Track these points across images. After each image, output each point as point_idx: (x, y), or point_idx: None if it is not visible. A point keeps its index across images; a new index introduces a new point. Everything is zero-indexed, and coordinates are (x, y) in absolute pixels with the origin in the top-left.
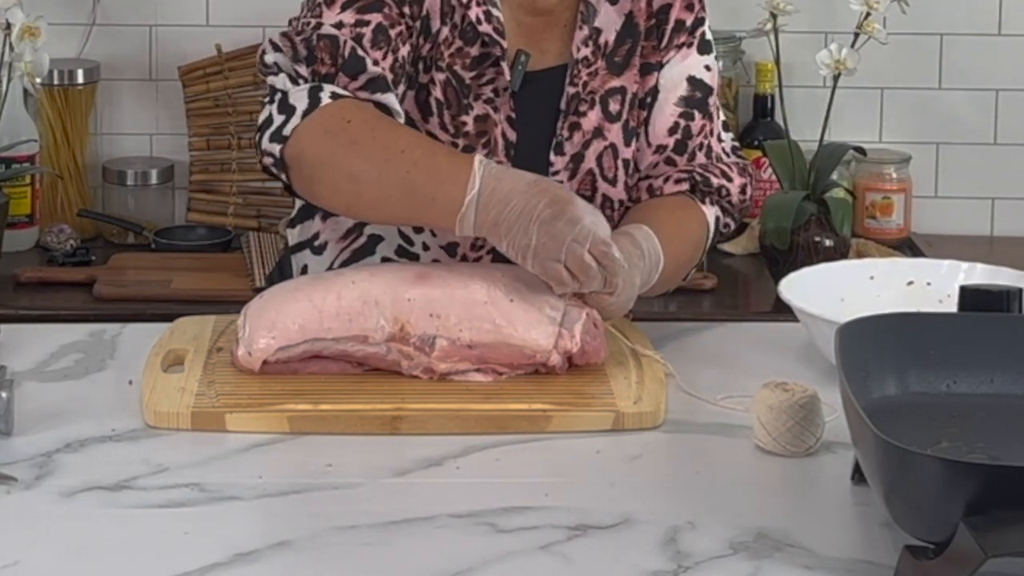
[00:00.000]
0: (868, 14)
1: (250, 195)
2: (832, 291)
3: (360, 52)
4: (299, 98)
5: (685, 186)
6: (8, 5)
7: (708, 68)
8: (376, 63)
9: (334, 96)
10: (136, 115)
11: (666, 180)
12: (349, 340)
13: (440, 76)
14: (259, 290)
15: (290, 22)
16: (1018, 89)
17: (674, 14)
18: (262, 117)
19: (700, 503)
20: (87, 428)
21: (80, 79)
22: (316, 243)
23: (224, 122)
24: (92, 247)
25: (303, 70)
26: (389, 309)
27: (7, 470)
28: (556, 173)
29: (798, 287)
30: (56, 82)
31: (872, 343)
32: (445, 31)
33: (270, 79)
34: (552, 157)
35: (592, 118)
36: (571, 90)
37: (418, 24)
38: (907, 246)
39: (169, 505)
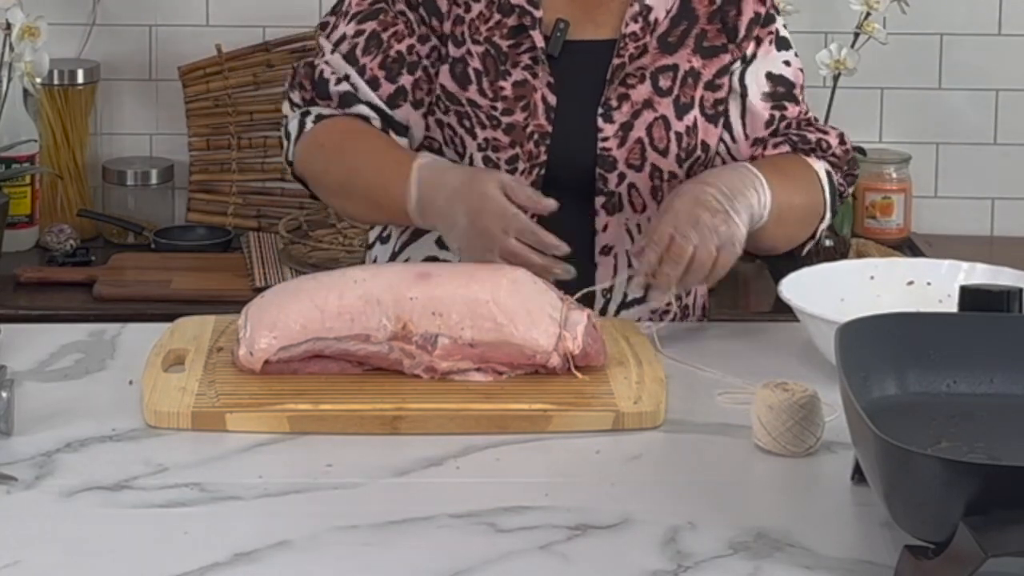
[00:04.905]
0: (868, 14)
1: (250, 195)
2: (832, 291)
3: (327, 75)
4: (293, 125)
5: (784, 148)
6: (8, 5)
7: (787, 63)
8: (343, 79)
9: (318, 118)
10: (136, 115)
11: (765, 148)
12: (351, 339)
13: (478, 48)
14: (259, 290)
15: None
16: (1018, 89)
17: (748, 7)
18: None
19: (700, 503)
20: (87, 428)
21: (80, 79)
22: (384, 232)
23: (224, 122)
24: (92, 247)
25: (295, 97)
26: (391, 308)
27: (7, 470)
28: (606, 139)
29: (798, 287)
30: (56, 82)
31: (872, 343)
32: (479, 7)
33: (283, 107)
34: (601, 123)
35: (641, 91)
36: (616, 61)
37: (421, 12)
38: (907, 246)
39: (169, 505)
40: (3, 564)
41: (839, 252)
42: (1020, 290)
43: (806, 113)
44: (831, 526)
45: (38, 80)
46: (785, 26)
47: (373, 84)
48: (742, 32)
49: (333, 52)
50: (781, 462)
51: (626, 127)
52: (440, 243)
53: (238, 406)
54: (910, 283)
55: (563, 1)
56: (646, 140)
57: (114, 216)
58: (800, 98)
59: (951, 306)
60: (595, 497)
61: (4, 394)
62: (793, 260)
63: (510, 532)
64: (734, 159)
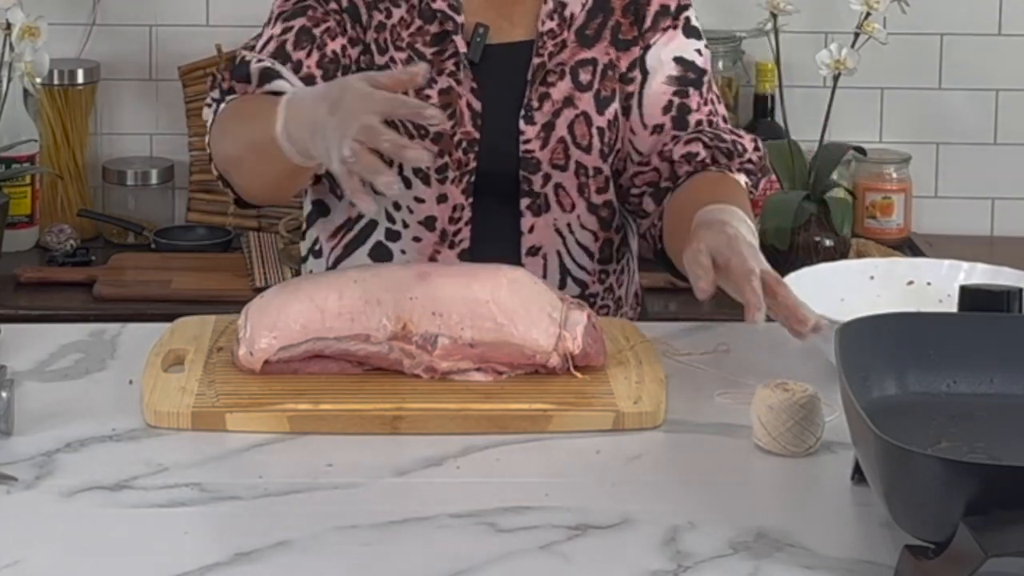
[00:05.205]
0: (868, 14)
1: None
2: (832, 291)
3: (247, 57)
4: (207, 117)
5: (697, 147)
6: (8, 5)
7: (699, 52)
8: (267, 62)
9: (230, 103)
10: (136, 115)
11: (676, 142)
12: (351, 339)
13: (400, 55)
14: (259, 290)
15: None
16: (1018, 89)
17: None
18: None
19: (700, 503)
20: (87, 428)
21: (80, 79)
22: (316, 247)
23: None
24: (92, 247)
25: (214, 95)
26: (391, 308)
27: (7, 470)
28: (528, 141)
29: (798, 287)
30: (56, 82)
31: (872, 343)
32: (400, 12)
33: (203, 114)
34: (522, 126)
35: (562, 88)
36: (536, 60)
37: (346, 16)
38: (907, 246)
39: (169, 505)
40: (3, 564)
41: (839, 252)
42: (1020, 290)
43: (715, 113)
44: (831, 526)
45: (38, 80)
46: (697, 18)
47: (308, 81)
48: (648, 23)
49: (261, 51)
50: (781, 462)
51: (548, 127)
52: (373, 255)
53: (238, 406)
54: (910, 283)
55: (480, 5)
56: (568, 139)
57: (114, 216)
58: (705, 92)
59: (951, 306)
60: (595, 497)
61: (4, 394)
62: (793, 260)
63: (510, 532)
64: (638, 152)
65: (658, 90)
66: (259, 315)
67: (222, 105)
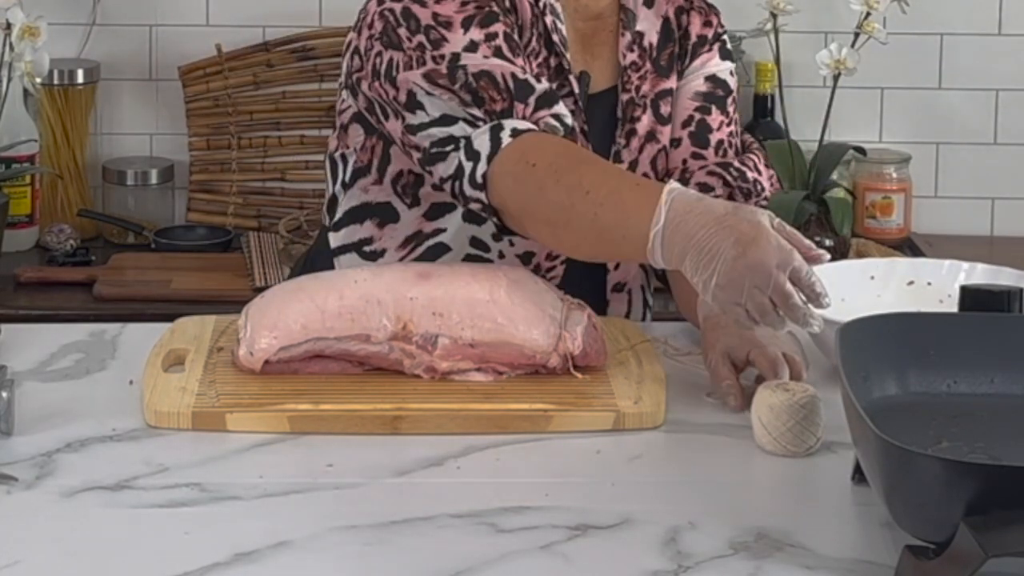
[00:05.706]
0: (868, 14)
1: (250, 195)
2: (832, 291)
3: (522, 75)
4: (482, 142)
5: (715, 182)
6: (8, 5)
7: (731, 74)
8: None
9: (514, 132)
10: (136, 115)
11: (700, 167)
12: (351, 339)
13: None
14: (259, 290)
15: (373, 72)
16: (1018, 89)
17: (694, 31)
18: (451, 168)
19: (700, 503)
20: (87, 428)
21: (80, 79)
22: (368, 248)
23: (224, 122)
24: (92, 247)
25: (478, 112)
26: (391, 308)
27: (7, 470)
28: None
29: None
30: (56, 82)
31: (872, 343)
32: (533, 43)
33: (437, 130)
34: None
35: (645, 122)
36: (625, 96)
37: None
38: (907, 246)
39: (169, 505)
40: (3, 564)
41: (839, 252)
42: (1020, 290)
43: (735, 135)
44: (831, 526)
45: (38, 80)
46: (728, 43)
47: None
48: (688, 58)
49: (484, 57)
50: (781, 462)
51: (633, 164)
52: None
53: (238, 406)
54: (910, 283)
55: (571, 39)
56: (651, 174)
57: (114, 216)
58: (729, 110)
59: (951, 306)
60: (595, 497)
61: (4, 394)
62: None
63: (510, 532)
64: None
65: (682, 104)
66: (259, 315)
67: (504, 133)
